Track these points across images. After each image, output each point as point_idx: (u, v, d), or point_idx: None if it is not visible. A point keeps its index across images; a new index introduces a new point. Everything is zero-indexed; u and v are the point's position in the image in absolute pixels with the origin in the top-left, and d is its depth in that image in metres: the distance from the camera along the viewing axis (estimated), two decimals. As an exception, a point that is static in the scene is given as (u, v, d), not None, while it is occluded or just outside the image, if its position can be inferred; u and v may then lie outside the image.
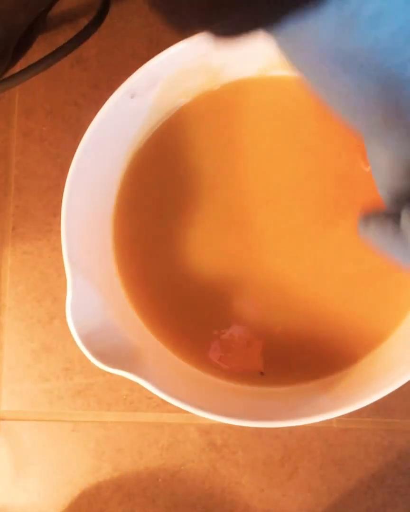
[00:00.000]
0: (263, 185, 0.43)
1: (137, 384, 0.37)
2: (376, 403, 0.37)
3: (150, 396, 0.44)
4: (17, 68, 0.45)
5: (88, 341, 0.37)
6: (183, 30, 0.27)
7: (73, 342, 0.37)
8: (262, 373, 0.42)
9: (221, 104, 0.44)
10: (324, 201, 0.42)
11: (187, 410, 0.37)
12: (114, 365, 0.37)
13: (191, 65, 0.41)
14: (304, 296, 0.43)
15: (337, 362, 0.42)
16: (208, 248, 0.43)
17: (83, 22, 0.45)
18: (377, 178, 0.33)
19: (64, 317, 0.37)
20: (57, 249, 0.48)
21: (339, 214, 0.42)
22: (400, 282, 0.42)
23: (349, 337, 0.42)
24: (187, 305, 0.43)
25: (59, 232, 0.39)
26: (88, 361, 0.36)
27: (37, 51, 0.46)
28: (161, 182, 0.44)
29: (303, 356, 0.42)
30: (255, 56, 0.42)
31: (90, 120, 0.40)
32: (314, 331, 0.42)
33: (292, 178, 0.43)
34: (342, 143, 0.42)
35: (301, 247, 0.43)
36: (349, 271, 0.42)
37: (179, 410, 0.37)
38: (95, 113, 0.39)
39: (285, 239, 0.43)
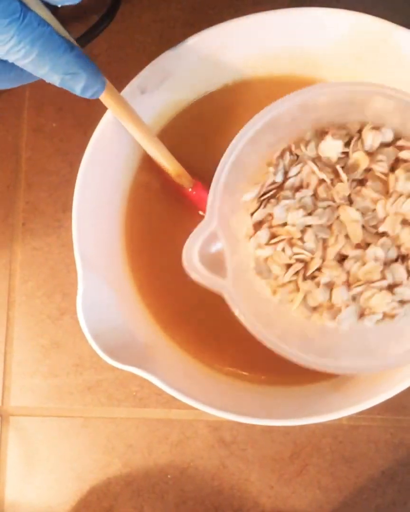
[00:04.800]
0: None
1: (147, 380, 0.37)
2: (386, 401, 0.36)
3: (160, 393, 0.44)
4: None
5: (98, 337, 0.37)
6: None
7: (83, 338, 0.37)
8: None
9: (230, 100, 0.44)
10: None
11: (197, 407, 0.37)
12: (124, 362, 0.37)
13: (201, 61, 0.41)
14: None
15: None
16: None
17: (94, 18, 0.45)
18: None
19: (74, 313, 0.37)
20: (67, 245, 0.48)
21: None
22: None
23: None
24: (198, 302, 0.43)
25: (69, 228, 0.39)
26: (98, 357, 0.36)
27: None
28: (172, 177, 0.44)
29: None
30: (265, 55, 0.42)
31: (100, 116, 0.40)
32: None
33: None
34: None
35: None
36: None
37: (189, 407, 0.37)
38: (105, 109, 0.39)
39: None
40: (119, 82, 0.39)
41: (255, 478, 0.46)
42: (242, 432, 0.46)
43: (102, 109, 0.39)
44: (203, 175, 0.43)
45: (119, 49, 0.49)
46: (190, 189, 0.43)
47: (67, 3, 0.30)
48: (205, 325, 0.43)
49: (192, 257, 0.33)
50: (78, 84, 0.31)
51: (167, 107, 0.43)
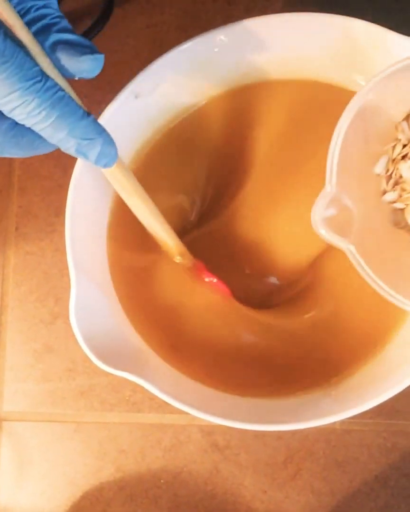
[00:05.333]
0: (264, 187, 0.43)
1: (140, 385, 0.37)
2: (379, 405, 0.36)
3: (153, 397, 0.44)
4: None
5: (91, 341, 0.37)
6: None
7: (76, 342, 0.37)
8: None
9: (224, 105, 0.44)
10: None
11: (190, 412, 0.37)
12: (117, 367, 0.36)
13: (195, 66, 0.41)
14: (307, 295, 0.43)
15: (340, 365, 0.42)
16: (207, 249, 0.43)
17: (87, 22, 0.45)
18: None
19: (67, 317, 0.37)
20: (60, 249, 0.48)
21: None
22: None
23: (352, 340, 0.42)
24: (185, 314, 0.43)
25: (62, 232, 0.39)
26: (91, 362, 0.36)
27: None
28: (164, 182, 0.44)
29: (306, 360, 0.42)
30: (258, 61, 0.42)
31: (93, 121, 0.40)
32: (317, 334, 0.42)
33: (294, 182, 0.43)
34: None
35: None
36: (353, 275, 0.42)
37: (182, 411, 0.37)
38: (98, 114, 0.39)
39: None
40: (113, 87, 0.39)
41: (248, 482, 0.46)
42: (235, 436, 0.46)
43: (95, 113, 0.39)
44: (197, 181, 0.43)
45: (112, 53, 0.49)
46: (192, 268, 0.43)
47: (83, 76, 0.32)
48: (186, 338, 0.43)
49: (317, 221, 0.35)
50: (94, 151, 0.31)
51: (161, 113, 0.43)
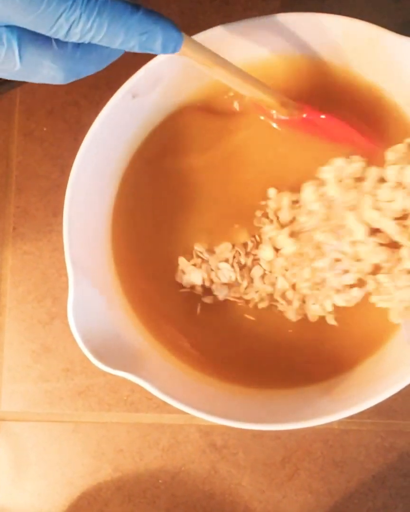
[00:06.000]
0: (260, 180, 0.43)
1: (138, 385, 0.37)
2: (377, 405, 0.37)
3: (151, 397, 0.44)
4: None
5: (89, 341, 0.37)
6: None
7: (73, 342, 0.37)
8: None
9: (220, 105, 0.44)
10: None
11: (188, 412, 0.37)
12: (115, 366, 0.36)
13: (193, 66, 0.41)
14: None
15: (338, 365, 0.42)
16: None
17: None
18: None
19: (65, 317, 0.37)
20: (58, 249, 0.48)
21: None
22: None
23: (350, 340, 0.42)
24: (185, 307, 0.43)
25: (59, 232, 0.39)
26: (89, 361, 0.36)
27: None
28: (161, 182, 0.44)
29: (304, 359, 0.42)
30: (256, 60, 0.42)
31: (90, 121, 0.40)
32: (315, 334, 0.42)
33: (289, 175, 0.43)
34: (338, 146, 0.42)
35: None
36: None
37: (180, 411, 0.37)
38: (96, 113, 0.39)
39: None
40: (111, 86, 0.39)
41: (246, 482, 0.46)
42: (233, 436, 0.46)
43: (93, 113, 0.39)
44: (193, 180, 0.43)
45: (110, 53, 0.49)
46: (303, 116, 0.41)
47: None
48: (192, 330, 0.43)
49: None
50: (157, 42, 0.30)
51: (158, 112, 0.43)
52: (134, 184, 0.44)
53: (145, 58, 0.40)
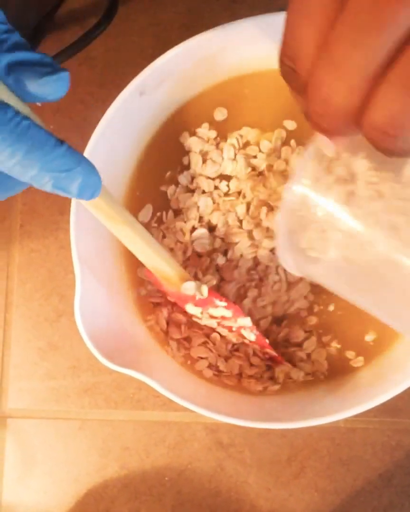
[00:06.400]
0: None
1: (144, 382, 0.37)
2: (383, 403, 0.36)
3: (157, 395, 0.44)
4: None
5: (96, 339, 0.37)
6: None
7: (80, 340, 0.37)
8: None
9: (226, 99, 0.44)
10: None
11: (194, 410, 0.37)
12: (121, 364, 0.36)
13: (199, 63, 0.41)
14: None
15: (345, 363, 0.41)
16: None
17: (91, 21, 0.45)
18: None
19: (71, 315, 0.37)
20: (65, 247, 0.48)
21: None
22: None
23: (357, 338, 0.42)
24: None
25: (66, 230, 0.39)
26: (95, 359, 0.36)
27: (46, 49, 0.46)
28: (168, 178, 0.44)
29: (311, 357, 0.42)
30: (262, 58, 0.42)
31: (97, 119, 0.40)
32: (322, 331, 0.42)
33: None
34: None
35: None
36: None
37: (186, 409, 0.37)
38: (103, 111, 0.39)
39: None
40: (117, 84, 0.39)
41: (252, 480, 0.46)
42: (239, 434, 0.46)
43: (100, 111, 0.39)
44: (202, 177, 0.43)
45: (116, 52, 0.49)
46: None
47: (47, 99, 0.27)
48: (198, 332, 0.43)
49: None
50: (75, 183, 0.27)
51: (165, 109, 0.43)
52: (143, 180, 0.44)
53: (152, 57, 0.40)
